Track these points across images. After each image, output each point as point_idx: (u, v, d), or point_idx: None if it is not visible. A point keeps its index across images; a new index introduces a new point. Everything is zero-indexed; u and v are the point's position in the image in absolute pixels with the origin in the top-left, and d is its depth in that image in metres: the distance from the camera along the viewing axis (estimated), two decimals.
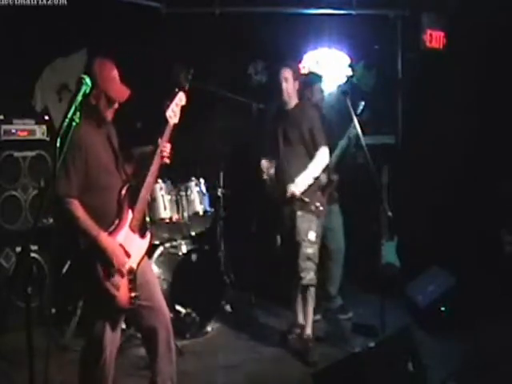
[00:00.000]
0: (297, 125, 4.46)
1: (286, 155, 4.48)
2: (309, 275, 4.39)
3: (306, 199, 4.37)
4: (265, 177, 4.57)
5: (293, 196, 4.36)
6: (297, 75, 4.55)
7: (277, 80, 4.50)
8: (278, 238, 4.57)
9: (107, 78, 3.20)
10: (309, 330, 4.52)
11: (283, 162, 4.49)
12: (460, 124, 5.96)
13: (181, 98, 3.51)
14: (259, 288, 5.56)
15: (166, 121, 3.40)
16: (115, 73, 3.25)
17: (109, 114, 3.28)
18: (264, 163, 4.58)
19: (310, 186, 4.43)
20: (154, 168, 3.33)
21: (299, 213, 4.38)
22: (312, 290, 4.47)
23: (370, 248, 5.76)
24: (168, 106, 3.42)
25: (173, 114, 3.42)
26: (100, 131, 3.28)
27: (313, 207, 4.44)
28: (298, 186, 4.37)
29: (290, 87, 4.47)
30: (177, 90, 3.54)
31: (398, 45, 6.60)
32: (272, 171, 4.53)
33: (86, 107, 3.13)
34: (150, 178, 3.34)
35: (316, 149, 4.43)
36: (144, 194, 3.31)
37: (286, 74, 4.48)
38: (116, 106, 3.27)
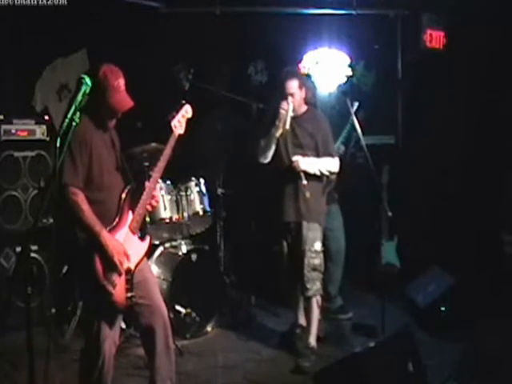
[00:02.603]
0: (309, 132, 4.37)
1: (294, 154, 4.35)
2: (315, 286, 4.35)
3: (304, 181, 4.28)
4: (280, 126, 4.29)
5: (295, 165, 4.27)
6: (302, 82, 4.41)
7: (282, 90, 4.34)
8: (285, 245, 4.50)
9: (113, 87, 3.19)
10: (313, 341, 4.44)
11: (289, 150, 4.36)
12: (460, 124, 5.96)
13: (187, 110, 3.59)
14: (259, 288, 5.56)
15: (171, 130, 3.46)
16: (122, 81, 3.24)
17: (111, 123, 3.33)
18: (285, 103, 4.29)
19: (318, 188, 4.40)
20: (156, 175, 3.40)
21: (305, 222, 4.34)
22: (317, 298, 4.41)
23: (370, 248, 5.76)
24: (174, 117, 3.49)
25: (178, 124, 3.50)
26: (103, 134, 3.31)
27: (317, 213, 4.40)
28: (303, 161, 4.28)
29: (296, 101, 4.35)
30: (183, 101, 3.59)
31: (398, 45, 6.60)
32: (291, 113, 4.29)
33: (90, 111, 3.17)
34: (151, 184, 3.38)
35: (327, 156, 4.40)
36: (145, 198, 3.34)
37: (292, 89, 4.32)
38: (119, 115, 3.30)
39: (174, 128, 3.47)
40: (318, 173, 4.35)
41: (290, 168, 4.32)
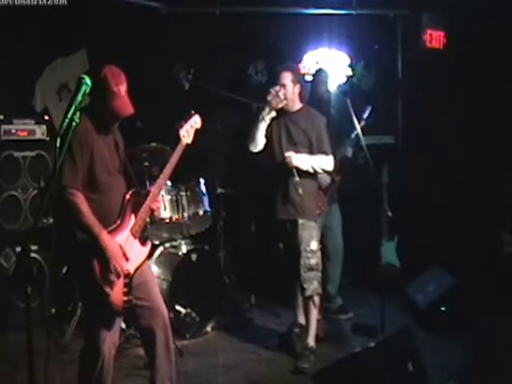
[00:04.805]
0: (302, 129, 4.35)
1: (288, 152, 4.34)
2: (312, 285, 4.33)
3: (297, 178, 4.26)
4: (267, 107, 4.32)
5: (288, 161, 4.25)
6: (297, 78, 4.42)
7: (277, 83, 4.38)
8: (281, 245, 4.50)
9: (113, 92, 3.16)
10: (311, 341, 4.42)
11: (283, 147, 4.35)
12: (460, 124, 5.97)
13: (196, 121, 3.62)
14: (259, 288, 5.56)
15: (179, 139, 3.48)
16: (123, 87, 3.20)
17: (114, 126, 3.33)
18: (276, 86, 4.33)
19: (312, 186, 4.40)
20: (161, 181, 3.41)
21: (301, 221, 4.32)
22: (315, 298, 4.39)
23: (370, 248, 5.76)
24: (182, 126, 3.52)
25: (186, 134, 3.52)
26: (106, 134, 3.28)
27: (318, 211, 4.40)
28: (296, 156, 4.26)
29: (288, 93, 4.34)
30: (193, 112, 3.61)
31: (398, 45, 6.60)
32: (282, 98, 4.30)
33: (91, 112, 3.17)
34: (155, 190, 3.39)
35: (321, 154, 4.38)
36: (148, 203, 3.34)
37: (284, 80, 4.35)
38: (120, 119, 3.30)
39: (182, 137, 3.49)
40: (310, 170, 4.33)
41: (283, 164, 4.31)
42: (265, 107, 4.35)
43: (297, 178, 4.28)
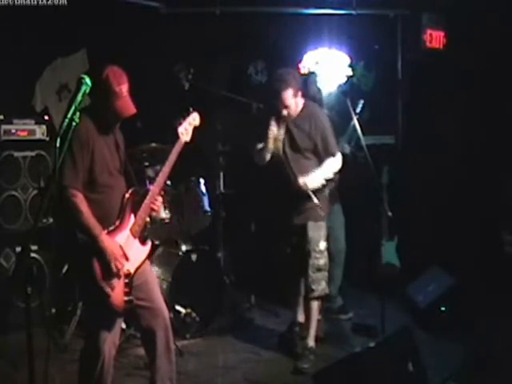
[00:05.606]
0: (306, 133, 4.27)
1: (294, 161, 4.28)
2: (320, 286, 4.33)
3: (315, 200, 4.21)
4: (270, 140, 4.27)
5: (303, 187, 4.20)
6: (297, 87, 4.23)
7: (275, 96, 4.22)
8: (288, 249, 4.49)
9: (115, 92, 3.16)
10: (311, 342, 4.42)
11: (292, 166, 4.27)
12: (460, 124, 5.96)
13: (194, 118, 3.59)
14: (259, 288, 5.56)
15: (177, 137, 3.46)
16: (125, 87, 3.20)
17: (115, 126, 3.33)
18: (274, 124, 4.27)
19: (321, 189, 4.34)
20: (160, 179, 3.40)
21: (310, 223, 4.30)
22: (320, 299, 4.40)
23: (370, 248, 5.76)
24: (180, 124, 3.49)
25: (185, 131, 3.49)
26: (106, 135, 3.28)
27: (322, 213, 4.37)
28: (309, 180, 4.21)
29: (292, 110, 4.25)
30: (191, 109, 3.59)
31: (398, 45, 6.60)
32: (281, 136, 4.26)
33: (92, 112, 3.17)
34: (155, 188, 3.38)
35: (328, 156, 4.33)
36: (148, 202, 3.33)
37: (287, 100, 4.18)
38: (122, 119, 3.29)
39: (180, 135, 3.47)
40: (324, 182, 4.30)
41: (294, 186, 4.21)
42: (268, 139, 4.26)
43: (316, 201, 4.23)
